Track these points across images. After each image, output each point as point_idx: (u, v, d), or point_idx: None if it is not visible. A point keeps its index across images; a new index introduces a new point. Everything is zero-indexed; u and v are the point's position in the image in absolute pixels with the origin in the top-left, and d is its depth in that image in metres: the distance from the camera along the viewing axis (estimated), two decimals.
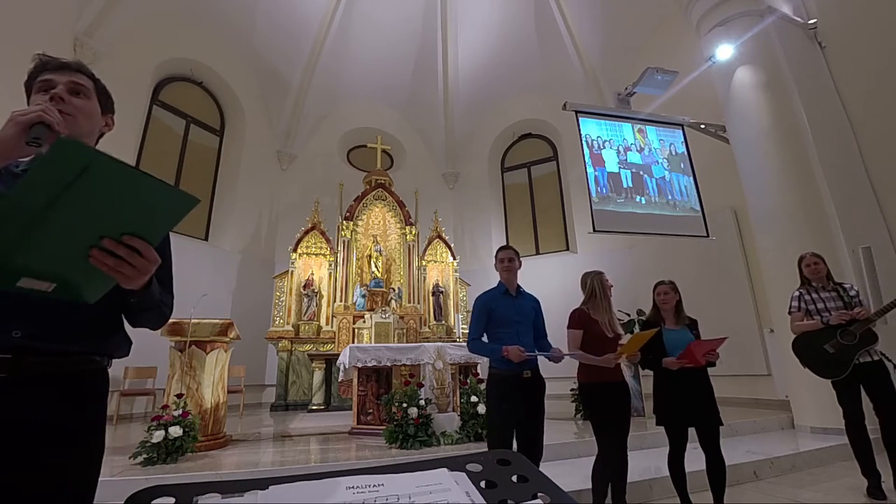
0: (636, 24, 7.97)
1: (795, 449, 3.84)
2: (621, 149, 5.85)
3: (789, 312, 3.22)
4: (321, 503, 0.48)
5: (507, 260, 2.62)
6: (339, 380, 4.98)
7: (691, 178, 5.97)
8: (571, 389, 4.63)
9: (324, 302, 8.20)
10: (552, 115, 9.47)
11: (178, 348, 4.00)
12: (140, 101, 7.51)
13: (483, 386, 3.79)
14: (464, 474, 0.56)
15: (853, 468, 3.01)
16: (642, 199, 5.66)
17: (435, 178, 10.95)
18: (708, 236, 5.77)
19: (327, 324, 8.01)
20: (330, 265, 8.38)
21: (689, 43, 6.50)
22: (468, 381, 4.57)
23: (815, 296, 3.13)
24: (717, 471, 2.53)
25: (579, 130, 5.74)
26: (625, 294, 7.56)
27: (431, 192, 10.28)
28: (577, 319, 2.60)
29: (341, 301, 8.07)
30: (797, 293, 3.22)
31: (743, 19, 5.48)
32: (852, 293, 3.06)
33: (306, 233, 8.44)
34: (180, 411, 3.53)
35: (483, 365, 3.90)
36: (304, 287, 8.15)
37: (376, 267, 8.60)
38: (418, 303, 8.51)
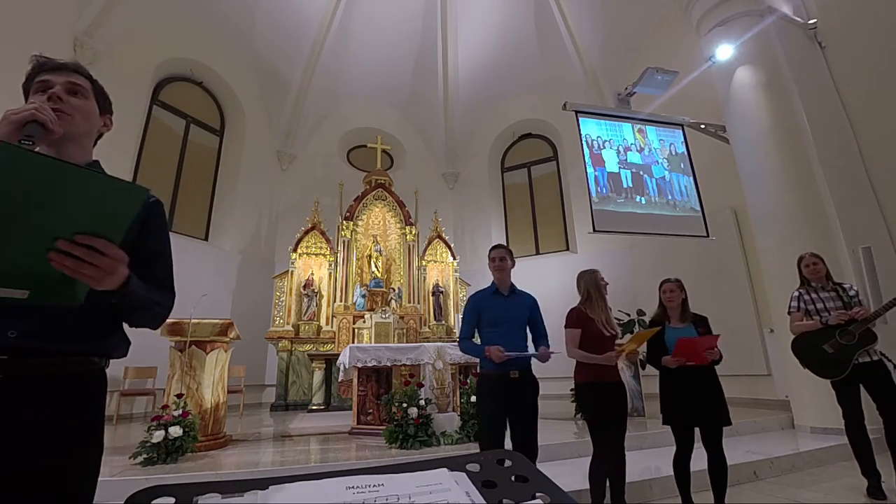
0: (636, 24, 7.97)
1: (795, 449, 3.84)
2: (621, 149, 5.85)
3: (789, 312, 3.22)
4: (321, 503, 0.48)
5: (499, 259, 2.59)
6: (339, 380, 4.98)
7: (691, 178, 5.97)
8: (571, 389, 4.62)
9: (324, 302, 8.20)
10: (552, 115, 9.47)
11: (178, 348, 4.00)
12: (140, 101, 7.51)
13: None
14: (464, 474, 0.56)
15: (853, 468, 3.01)
16: (642, 199, 5.66)
17: (435, 178, 10.95)
18: (708, 236, 5.77)
19: (327, 324, 8.01)
20: (330, 265, 8.38)
21: (689, 43, 6.50)
22: (468, 381, 4.58)
23: (814, 296, 3.13)
24: (718, 470, 2.52)
25: (579, 130, 5.74)
26: (625, 294, 7.59)
27: (431, 192, 10.28)
28: (575, 318, 2.59)
29: (341, 301, 8.07)
30: (796, 293, 3.22)
31: (743, 19, 5.48)
32: (852, 293, 3.06)
33: (306, 233, 8.44)
34: (180, 411, 3.53)
35: None
36: (304, 287, 8.15)
37: (376, 267, 8.60)
38: (418, 303, 8.51)
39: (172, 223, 7.80)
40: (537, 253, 10.18)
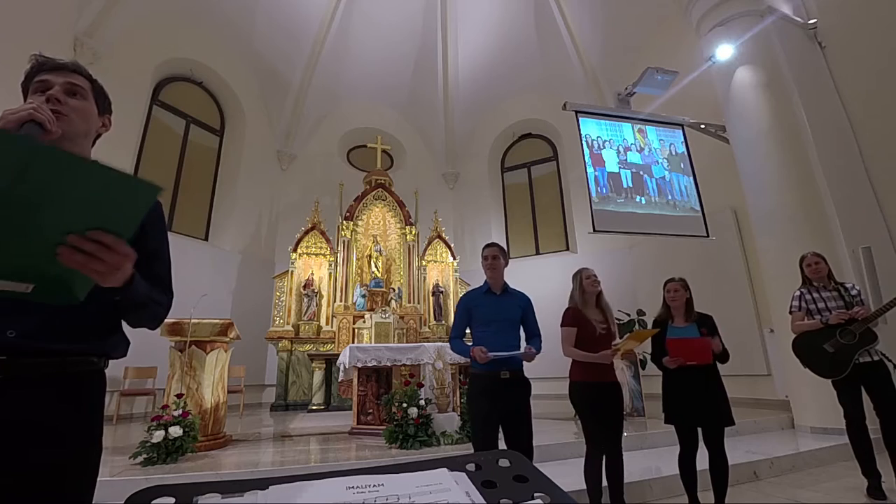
0: (636, 24, 7.97)
1: (795, 449, 3.84)
2: (621, 149, 5.86)
3: (790, 312, 3.22)
4: (321, 503, 0.48)
5: (492, 258, 2.54)
6: (339, 380, 4.97)
7: (691, 178, 5.97)
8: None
9: (324, 302, 8.20)
10: (552, 115, 9.47)
11: (178, 348, 4.00)
12: (140, 101, 7.51)
13: None
14: (464, 474, 0.56)
15: (853, 468, 3.01)
16: (642, 199, 5.66)
17: (435, 178, 10.95)
18: (708, 236, 5.77)
19: (327, 324, 8.01)
20: (330, 265, 8.38)
21: (689, 43, 6.50)
22: (468, 381, 4.57)
23: (815, 295, 3.13)
24: (719, 470, 2.52)
25: (579, 130, 5.74)
26: (625, 294, 7.59)
27: (431, 192, 10.28)
28: (570, 317, 2.59)
29: (341, 301, 8.07)
30: (798, 293, 3.22)
31: (743, 19, 5.48)
32: (853, 293, 3.06)
33: (306, 233, 8.44)
34: (180, 411, 3.53)
35: None
36: (304, 287, 8.15)
37: (376, 267, 8.60)
38: (418, 303, 8.51)
39: (172, 223, 7.80)
40: (537, 253, 10.18)
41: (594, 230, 5.37)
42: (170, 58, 7.97)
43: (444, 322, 8.61)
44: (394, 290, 8.58)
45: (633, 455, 2.53)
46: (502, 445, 2.47)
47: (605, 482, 2.47)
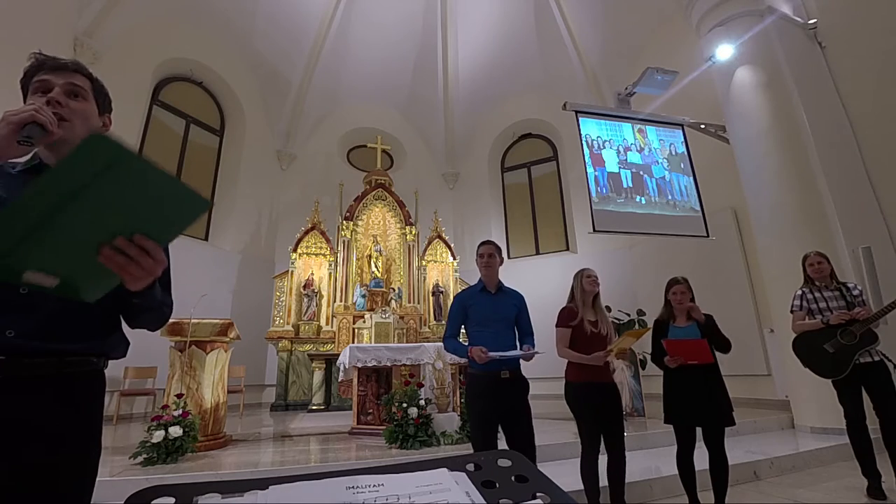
0: (636, 24, 7.97)
1: (795, 449, 3.84)
2: (621, 149, 5.86)
3: (791, 311, 3.21)
4: (321, 503, 0.48)
5: (487, 256, 2.51)
6: (339, 380, 4.98)
7: (691, 178, 5.97)
8: None
9: (324, 302, 8.20)
10: (552, 115, 9.47)
11: (178, 348, 4.00)
12: (140, 101, 7.51)
13: None
14: (464, 474, 0.56)
15: (853, 468, 3.01)
16: (642, 199, 5.66)
17: (435, 178, 10.95)
18: (708, 236, 5.77)
19: (327, 324, 8.01)
20: (330, 265, 8.38)
21: (689, 43, 6.50)
22: (467, 381, 4.57)
23: (817, 295, 3.13)
24: (719, 470, 2.52)
25: (579, 130, 5.74)
26: (625, 294, 7.59)
27: (431, 192, 10.28)
28: (565, 318, 2.59)
29: (341, 301, 8.07)
30: (800, 292, 3.21)
31: (743, 19, 5.48)
32: (855, 293, 3.06)
33: (306, 233, 8.44)
34: (180, 411, 3.52)
35: None
36: (304, 287, 8.15)
37: (376, 267, 8.60)
38: (418, 303, 8.51)
39: None
40: (537, 253, 10.18)
41: (594, 230, 5.38)
42: (170, 58, 7.97)
43: (444, 322, 8.59)
44: (394, 290, 8.59)
45: (633, 455, 2.53)
46: (503, 446, 2.46)
47: (603, 482, 2.47)
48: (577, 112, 5.84)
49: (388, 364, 4.54)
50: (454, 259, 9.16)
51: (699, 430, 2.60)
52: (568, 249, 9.79)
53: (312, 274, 8.30)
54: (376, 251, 8.69)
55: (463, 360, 4.68)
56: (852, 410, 2.94)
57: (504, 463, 0.60)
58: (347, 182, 9.30)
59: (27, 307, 0.85)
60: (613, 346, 2.48)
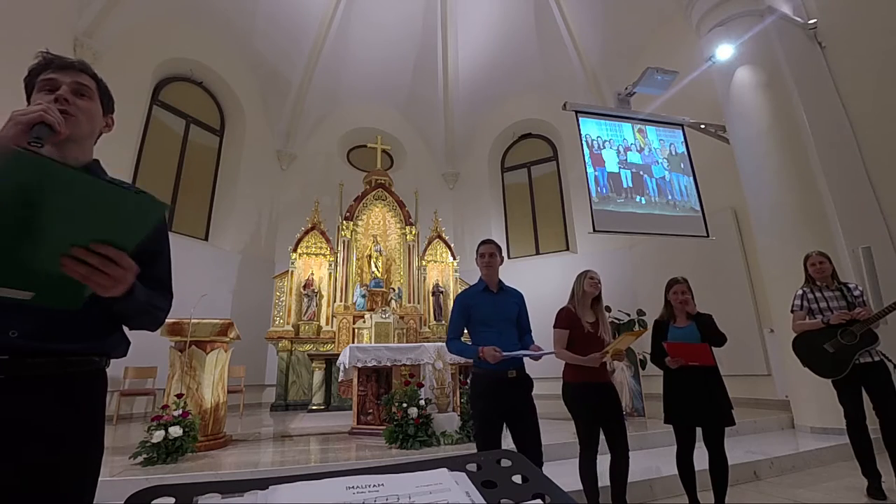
0: (636, 24, 7.97)
1: (795, 449, 3.84)
2: (621, 149, 5.86)
3: (791, 311, 3.21)
4: (321, 503, 0.48)
5: (488, 255, 2.49)
6: (339, 380, 4.98)
7: (691, 178, 5.97)
8: None
9: (324, 302, 8.20)
10: (552, 115, 9.47)
11: (178, 348, 4.00)
12: (140, 101, 7.51)
13: None
14: (464, 474, 0.56)
15: (853, 468, 3.01)
16: (642, 199, 5.66)
17: (435, 178, 10.95)
18: (708, 236, 5.77)
19: (327, 324, 8.01)
20: (330, 265, 8.38)
21: (689, 43, 6.50)
22: (468, 381, 4.57)
23: (818, 295, 3.13)
24: (719, 470, 2.52)
25: (579, 130, 5.74)
26: (625, 294, 7.59)
27: (431, 192, 10.28)
28: (564, 318, 2.58)
29: (341, 301, 8.07)
30: (800, 292, 3.21)
31: (743, 19, 5.48)
32: (856, 293, 3.06)
33: (306, 233, 8.44)
34: (180, 411, 3.53)
35: None
36: (304, 287, 8.15)
37: (376, 267, 8.60)
38: (418, 303, 8.51)
39: (172, 223, 7.79)
40: (537, 253, 10.18)
41: (594, 230, 5.37)
42: (170, 58, 7.97)
43: (444, 322, 8.60)
44: (394, 290, 8.59)
45: (633, 455, 2.52)
46: (506, 445, 2.46)
47: (604, 482, 2.46)
48: (577, 112, 5.84)
49: (388, 364, 4.54)
50: (454, 259, 9.16)
51: (699, 430, 2.60)
52: (568, 249, 9.79)
53: (312, 274, 8.30)
54: (376, 251, 8.69)
55: (463, 360, 4.71)
56: (852, 410, 2.94)
57: (504, 463, 0.60)
58: (347, 182, 9.30)
59: (30, 308, 0.85)
60: (609, 348, 2.47)
